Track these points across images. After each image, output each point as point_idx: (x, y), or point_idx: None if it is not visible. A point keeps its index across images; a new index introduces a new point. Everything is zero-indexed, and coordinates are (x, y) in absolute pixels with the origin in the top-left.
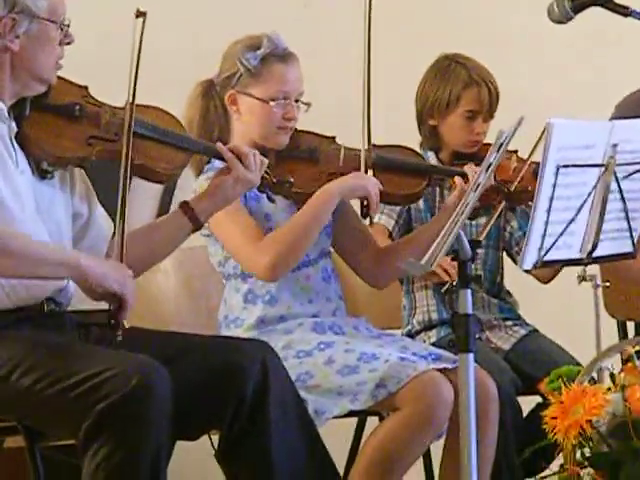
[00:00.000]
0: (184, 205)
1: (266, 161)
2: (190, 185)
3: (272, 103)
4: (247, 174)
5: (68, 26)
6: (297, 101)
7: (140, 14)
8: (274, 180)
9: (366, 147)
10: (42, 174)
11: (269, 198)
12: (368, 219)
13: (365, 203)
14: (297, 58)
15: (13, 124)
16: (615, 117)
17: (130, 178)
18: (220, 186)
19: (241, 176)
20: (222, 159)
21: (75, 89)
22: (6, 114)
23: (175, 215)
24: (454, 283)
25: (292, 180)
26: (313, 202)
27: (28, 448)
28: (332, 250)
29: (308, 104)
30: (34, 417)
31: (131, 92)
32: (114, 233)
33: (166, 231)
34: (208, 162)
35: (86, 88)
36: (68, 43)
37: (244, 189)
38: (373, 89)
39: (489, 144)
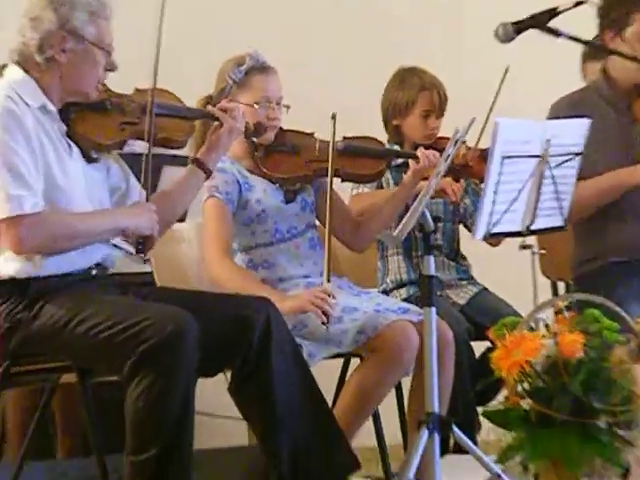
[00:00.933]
0: (196, 160)
1: (245, 110)
2: None
3: (256, 106)
4: (235, 124)
5: (110, 53)
6: (278, 104)
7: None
8: (252, 128)
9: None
10: (91, 160)
11: (254, 144)
12: (325, 326)
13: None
14: (275, 70)
15: (62, 124)
16: (551, 116)
17: (151, 141)
18: (218, 139)
19: (232, 125)
20: (216, 119)
21: (100, 92)
22: (57, 115)
23: (191, 169)
24: (456, 201)
25: (266, 126)
26: (266, 291)
27: (80, 384)
28: (317, 223)
29: (287, 106)
30: (86, 358)
31: (153, 82)
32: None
33: (187, 182)
34: None
35: (104, 85)
36: (111, 70)
37: (236, 136)
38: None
39: (442, 137)
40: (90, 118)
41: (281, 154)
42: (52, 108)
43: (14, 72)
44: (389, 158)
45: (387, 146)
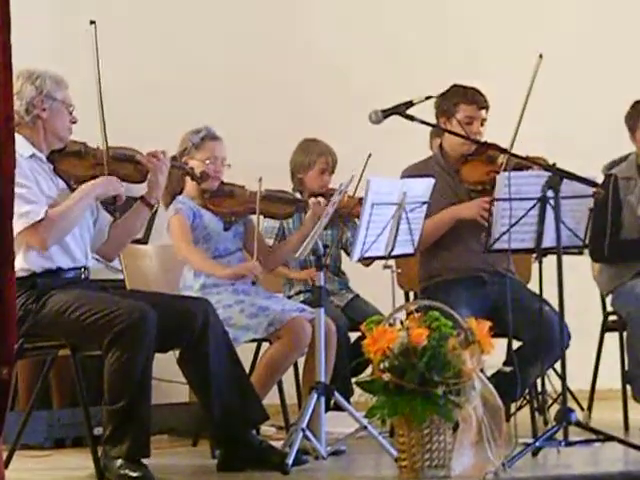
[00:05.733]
0: (141, 198)
1: (169, 163)
2: (164, 214)
3: (207, 162)
4: (156, 165)
5: (71, 113)
6: (222, 162)
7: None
8: (199, 174)
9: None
10: (72, 189)
11: (204, 190)
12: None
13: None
14: (222, 139)
15: (50, 165)
16: (403, 176)
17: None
18: (152, 180)
19: (155, 167)
20: (145, 166)
21: (78, 143)
22: (45, 159)
23: (138, 204)
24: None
25: (210, 175)
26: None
27: (72, 356)
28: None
29: (229, 165)
30: (77, 337)
31: (104, 140)
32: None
33: (135, 213)
34: (173, 198)
35: (84, 143)
36: (74, 122)
37: (164, 173)
38: None
39: (331, 188)
40: (70, 160)
41: (222, 197)
42: (40, 155)
43: None
44: (295, 204)
45: (291, 193)
